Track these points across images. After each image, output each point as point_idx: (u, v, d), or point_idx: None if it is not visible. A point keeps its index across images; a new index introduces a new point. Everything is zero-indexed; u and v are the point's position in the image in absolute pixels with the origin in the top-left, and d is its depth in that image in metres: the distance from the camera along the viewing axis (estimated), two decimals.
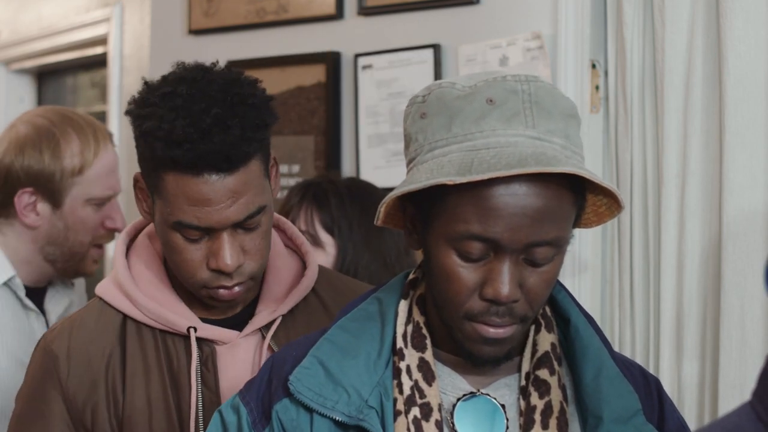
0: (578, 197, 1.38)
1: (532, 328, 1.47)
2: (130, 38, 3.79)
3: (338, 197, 2.36)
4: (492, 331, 1.38)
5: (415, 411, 1.41)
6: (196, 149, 1.59)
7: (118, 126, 3.73)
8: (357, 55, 3.01)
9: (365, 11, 3.01)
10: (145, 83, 1.70)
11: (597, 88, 2.60)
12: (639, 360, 2.45)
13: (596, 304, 2.58)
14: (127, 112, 1.69)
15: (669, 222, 2.41)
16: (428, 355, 1.44)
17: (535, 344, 1.47)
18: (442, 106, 1.38)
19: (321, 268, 1.88)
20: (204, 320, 1.77)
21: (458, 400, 1.44)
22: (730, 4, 2.30)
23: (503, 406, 1.44)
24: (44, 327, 2.28)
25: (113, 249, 1.99)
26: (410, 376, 1.42)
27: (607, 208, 1.44)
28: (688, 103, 2.39)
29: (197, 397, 1.72)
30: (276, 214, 1.90)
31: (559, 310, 1.51)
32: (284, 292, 1.81)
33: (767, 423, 1.08)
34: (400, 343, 1.45)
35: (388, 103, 2.94)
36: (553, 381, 1.44)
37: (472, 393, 1.45)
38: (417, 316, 1.47)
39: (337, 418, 1.41)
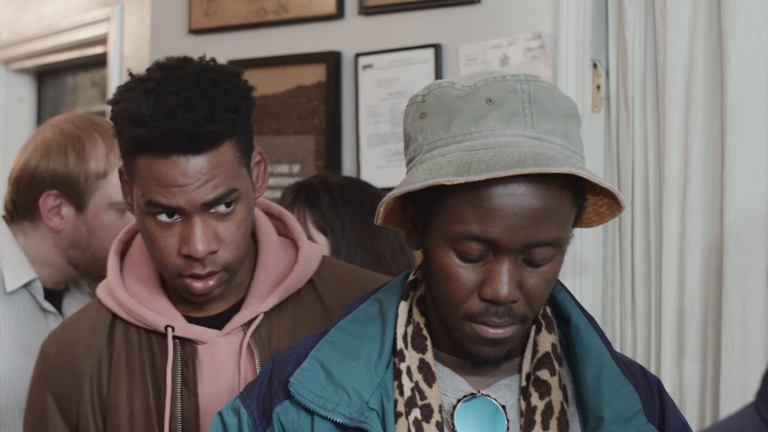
0: (578, 197, 1.38)
1: (533, 328, 1.47)
2: (130, 38, 3.79)
3: (330, 197, 2.35)
4: (491, 332, 1.37)
5: (416, 412, 1.40)
6: (159, 128, 1.60)
7: None
8: (357, 55, 3.01)
9: (366, 11, 3.00)
10: (129, 73, 1.72)
11: (598, 87, 2.59)
12: (640, 360, 2.45)
13: (597, 304, 2.57)
14: (108, 102, 1.71)
15: (670, 222, 2.41)
16: (429, 356, 1.44)
17: (535, 345, 1.47)
18: (442, 106, 1.38)
19: (327, 260, 1.87)
20: (191, 319, 1.77)
21: (459, 401, 1.44)
22: (732, 3, 2.29)
23: (504, 407, 1.44)
24: None
25: None
26: (411, 378, 1.42)
27: (607, 208, 1.43)
28: (690, 103, 2.38)
29: (173, 397, 1.72)
30: (279, 207, 1.89)
31: (560, 311, 1.50)
32: (271, 289, 1.79)
33: None
34: (400, 345, 1.45)
35: (388, 102, 2.94)
36: (553, 381, 1.44)
37: (472, 394, 1.44)
38: (417, 317, 1.47)
39: (338, 420, 1.41)
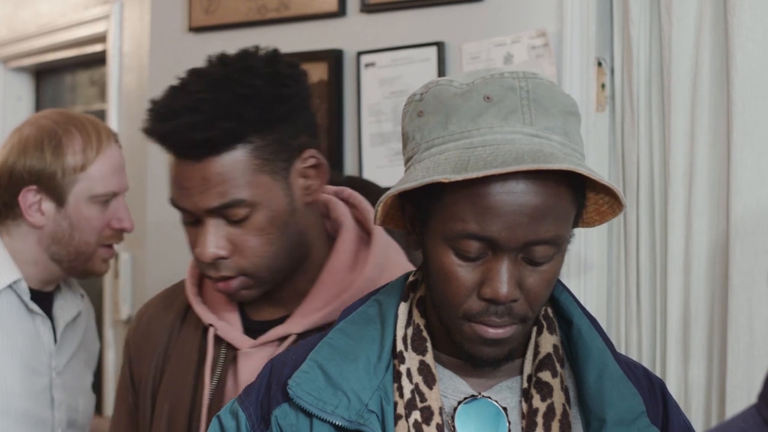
0: (578, 195, 1.37)
1: (534, 329, 1.47)
2: (130, 36, 3.78)
3: None
4: (491, 332, 1.37)
5: (416, 415, 1.40)
6: (159, 128, 1.61)
7: (118, 124, 3.73)
8: (360, 53, 3.00)
9: (368, 8, 3.00)
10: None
11: (603, 86, 2.59)
12: (645, 361, 2.45)
13: (602, 304, 2.57)
14: None
15: (676, 221, 2.41)
16: (429, 358, 1.44)
17: (537, 346, 1.46)
18: (439, 104, 1.38)
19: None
20: (250, 321, 1.75)
21: (459, 403, 1.44)
22: (738, 1, 2.29)
23: (505, 409, 1.44)
24: (50, 331, 2.30)
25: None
26: (411, 380, 1.42)
27: (609, 207, 1.43)
28: (695, 101, 2.38)
29: (208, 397, 1.72)
30: (349, 190, 1.85)
31: (562, 312, 1.50)
32: (324, 305, 1.71)
33: None
34: (400, 346, 1.44)
35: (391, 101, 2.93)
36: (555, 383, 1.44)
37: (473, 396, 1.44)
38: (417, 319, 1.47)
39: (337, 423, 1.41)
